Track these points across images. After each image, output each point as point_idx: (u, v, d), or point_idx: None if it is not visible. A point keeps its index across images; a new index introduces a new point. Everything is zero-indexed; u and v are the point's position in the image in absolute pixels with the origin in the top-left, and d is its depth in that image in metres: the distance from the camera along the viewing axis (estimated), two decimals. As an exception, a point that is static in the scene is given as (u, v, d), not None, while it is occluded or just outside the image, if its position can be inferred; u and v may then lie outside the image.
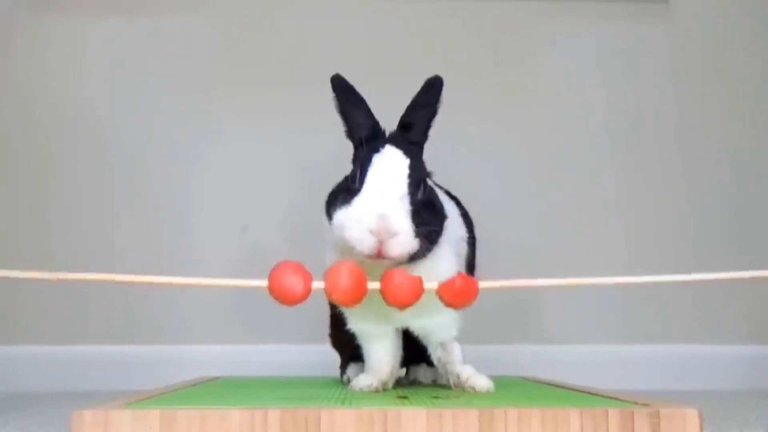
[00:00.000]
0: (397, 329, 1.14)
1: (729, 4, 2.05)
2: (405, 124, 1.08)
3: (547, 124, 1.99)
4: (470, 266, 1.22)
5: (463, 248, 1.17)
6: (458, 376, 1.09)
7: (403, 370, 1.29)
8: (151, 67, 1.95)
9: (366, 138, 1.06)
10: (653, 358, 1.89)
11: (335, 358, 1.36)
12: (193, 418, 0.75)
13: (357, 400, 0.91)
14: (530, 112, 1.99)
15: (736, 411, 1.27)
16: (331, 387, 1.14)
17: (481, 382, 1.06)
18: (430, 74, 1.09)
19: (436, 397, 0.94)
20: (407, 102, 1.09)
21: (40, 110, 1.92)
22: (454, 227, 1.13)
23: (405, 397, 0.95)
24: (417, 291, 0.86)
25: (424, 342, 1.15)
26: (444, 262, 1.05)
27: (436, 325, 1.11)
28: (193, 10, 1.97)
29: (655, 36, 2.02)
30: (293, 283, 0.82)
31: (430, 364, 1.22)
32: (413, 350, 1.17)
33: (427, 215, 1.01)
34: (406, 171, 1.01)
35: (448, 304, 0.88)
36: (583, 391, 1.04)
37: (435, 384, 1.23)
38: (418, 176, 1.03)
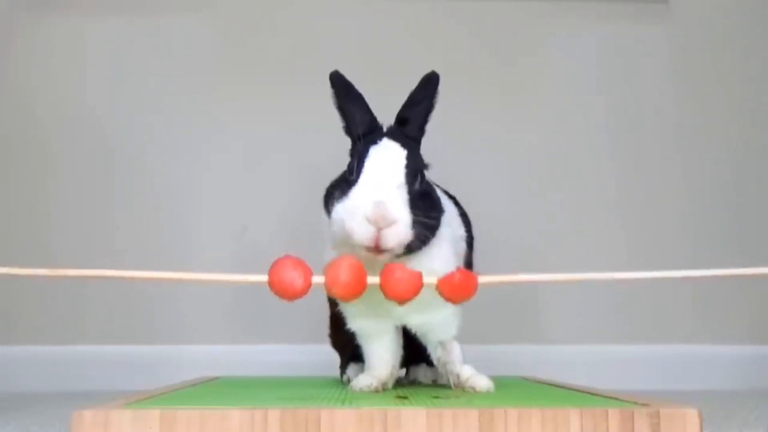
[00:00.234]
0: (396, 328, 1.14)
1: (729, 4, 2.05)
2: (402, 119, 1.09)
3: (547, 124, 1.99)
4: (468, 266, 1.22)
5: (462, 247, 1.17)
6: (458, 376, 1.09)
7: (403, 370, 1.29)
8: (151, 67, 1.95)
9: (364, 133, 1.07)
10: (653, 358, 1.89)
11: (335, 358, 1.36)
12: (193, 418, 0.75)
13: (357, 400, 0.91)
14: (530, 112, 1.99)
15: (736, 411, 1.27)
16: (331, 387, 1.14)
17: (481, 382, 1.06)
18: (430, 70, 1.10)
19: (436, 397, 0.94)
20: (407, 101, 1.09)
21: (40, 110, 1.92)
22: (452, 226, 1.13)
23: (405, 397, 0.95)
24: (416, 285, 0.86)
25: (424, 341, 1.15)
26: (442, 259, 1.05)
27: (434, 323, 1.11)
28: (193, 10, 1.97)
29: (655, 36, 2.02)
30: (293, 277, 0.82)
31: (430, 364, 1.22)
32: (413, 350, 1.17)
33: (424, 206, 1.01)
34: (403, 161, 1.02)
35: (448, 299, 0.88)
36: (583, 391, 1.04)
37: (435, 384, 1.23)
38: (416, 167, 1.03)
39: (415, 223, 0.98)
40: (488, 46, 2.01)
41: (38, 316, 1.85)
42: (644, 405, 0.80)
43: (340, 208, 1.00)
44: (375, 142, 1.04)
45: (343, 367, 1.31)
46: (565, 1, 2.01)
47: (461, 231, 1.18)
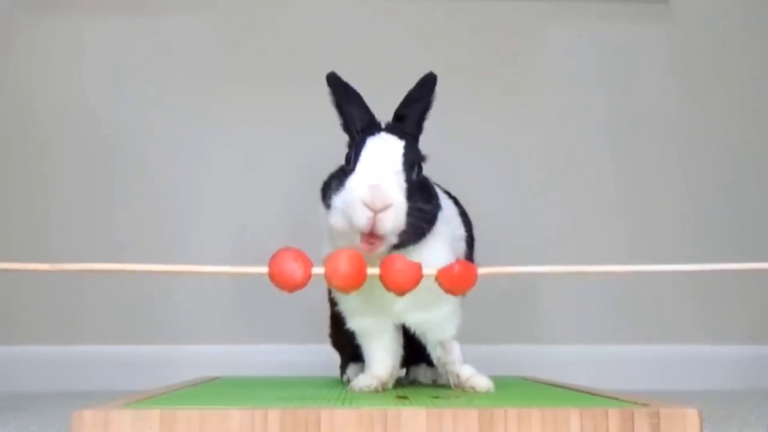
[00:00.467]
0: (396, 327, 1.14)
1: (729, 4, 2.04)
2: (399, 116, 1.09)
3: (547, 124, 1.99)
4: (469, 265, 1.22)
5: (461, 247, 1.16)
6: (458, 376, 1.09)
7: (403, 370, 1.29)
8: (151, 67, 1.95)
9: (362, 129, 1.07)
10: (653, 358, 1.89)
11: (335, 358, 1.36)
12: (193, 418, 0.75)
13: (357, 400, 0.91)
14: (530, 112, 1.99)
15: (736, 411, 1.27)
16: (331, 387, 1.14)
17: (481, 382, 1.06)
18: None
19: (436, 397, 0.94)
20: (407, 102, 1.09)
21: (40, 110, 1.92)
22: (451, 225, 1.13)
23: (405, 397, 0.95)
24: (416, 276, 0.86)
25: (423, 340, 1.15)
26: (439, 254, 1.04)
27: (433, 322, 1.11)
28: (193, 10, 1.97)
29: (655, 36, 2.02)
30: (293, 269, 0.83)
31: (430, 364, 1.22)
32: (413, 350, 1.17)
33: (421, 197, 1.01)
34: (400, 151, 1.02)
35: (448, 290, 0.87)
36: (583, 391, 1.04)
37: (435, 384, 1.23)
38: (413, 159, 1.03)
39: (412, 210, 0.98)
40: (488, 46, 2.01)
41: (38, 316, 1.85)
42: (644, 405, 0.80)
43: (338, 199, 1.00)
44: (372, 134, 1.05)
45: (343, 367, 1.31)
46: (565, 1, 2.01)
47: (461, 231, 1.18)
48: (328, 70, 1.10)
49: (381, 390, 1.08)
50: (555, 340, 1.90)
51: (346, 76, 1.11)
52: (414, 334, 1.14)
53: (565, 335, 1.91)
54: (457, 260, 0.89)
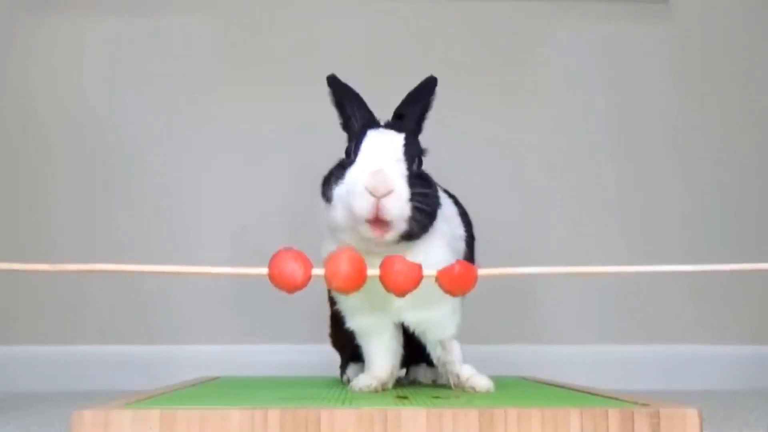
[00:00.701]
0: (396, 326, 1.14)
1: (729, 4, 2.05)
2: (398, 115, 1.10)
3: (547, 123, 1.99)
4: (469, 265, 1.22)
5: (461, 246, 1.16)
6: (458, 376, 1.09)
7: (403, 370, 1.29)
8: (151, 67, 1.95)
9: (362, 126, 1.07)
10: (653, 358, 1.89)
11: (335, 358, 1.36)
12: (193, 418, 0.75)
13: (357, 400, 0.91)
14: (530, 112, 1.99)
15: (736, 411, 1.27)
16: (331, 387, 1.14)
17: (482, 382, 1.06)
18: (429, 74, 1.10)
19: (436, 397, 0.94)
20: (407, 102, 1.09)
21: (40, 110, 1.92)
22: (450, 225, 1.13)
23: (405, 397, 0.95)
24: (416, 277, 0.86)
25: (423, 340, 1.14)
26: (439, 253, 1.04)
27: (433, 320, 1.11)
28: (193, 10, 1.97)
29: (655, 36, 2.02)
30: (293, 269, 0.82)
31: (430, 364, 1.22)
32: (413, 350, 1.17)
33: (422, 186, 1.01)
34: (401, 142, 1.03)
35: (448, 291, 0.87)
36: (583, 391, 1.04)
37: (435, 384, 1.23)
38: (413, 151, 1.04)
39: (414, 196, 0.98)
40: (488, 46, 2.01)
41: (38, 316, 1.85)
42: (644, 405, 0.80)
43: (339, 189, 1.00)
44: (372, 128, 1.05)
45: (343, 367, 1.31)
46: (565, 1, 2.01)
47: (460, 230, 1.17)
48: (328, 70, 1.10)
49: (381, 390, 1.08)
50: (555, 340, 1.90)
51: (346, 76, 1.11)
52: (414, 333, 1.14)
53: (565, 335, 1.91)
54: (457, 261, 0.89)
